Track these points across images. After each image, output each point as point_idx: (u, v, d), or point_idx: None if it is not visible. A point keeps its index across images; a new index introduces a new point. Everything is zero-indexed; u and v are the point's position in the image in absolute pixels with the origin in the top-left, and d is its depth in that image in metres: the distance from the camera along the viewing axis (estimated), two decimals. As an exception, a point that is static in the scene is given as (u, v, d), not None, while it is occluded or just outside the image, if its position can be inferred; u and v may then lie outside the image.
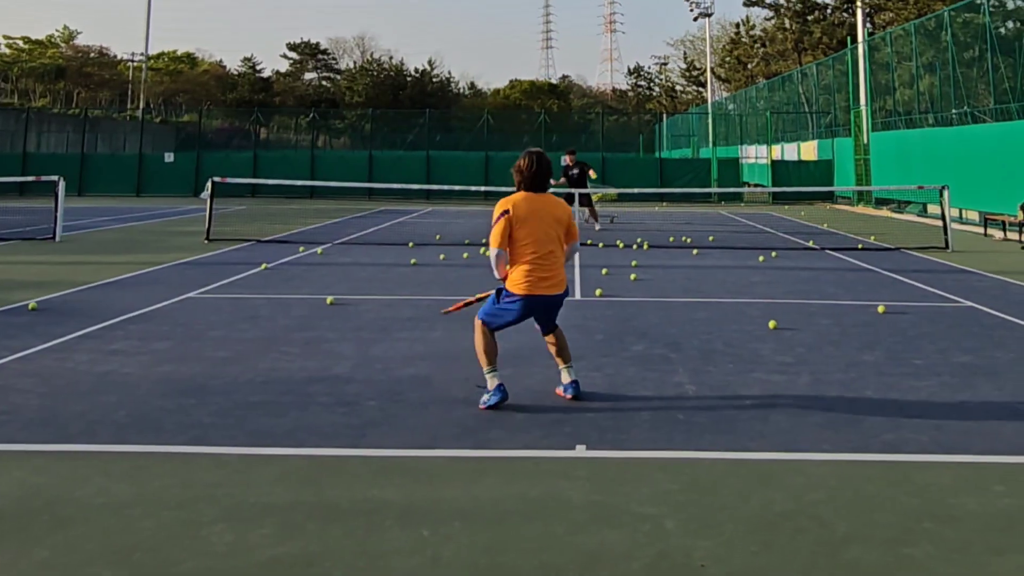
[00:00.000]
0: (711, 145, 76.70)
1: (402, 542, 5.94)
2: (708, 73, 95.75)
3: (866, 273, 19.73)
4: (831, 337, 12.64)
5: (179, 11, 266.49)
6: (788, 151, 59.92)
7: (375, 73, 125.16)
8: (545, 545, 5.89)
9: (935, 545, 5.93)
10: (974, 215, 34.11)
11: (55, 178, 26.87)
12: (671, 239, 27.28)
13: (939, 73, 39.44)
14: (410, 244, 24.98)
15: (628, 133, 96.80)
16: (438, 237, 27.61)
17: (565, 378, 9.44)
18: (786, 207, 46.69)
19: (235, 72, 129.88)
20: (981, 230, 30.89)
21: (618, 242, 25.42)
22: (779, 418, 8.62)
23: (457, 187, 32.92)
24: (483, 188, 35.99)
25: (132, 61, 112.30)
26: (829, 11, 77.41)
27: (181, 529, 6.12)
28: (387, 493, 6.77)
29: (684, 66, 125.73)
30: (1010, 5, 36.22)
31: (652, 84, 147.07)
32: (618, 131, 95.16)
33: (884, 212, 42.51)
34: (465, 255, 22.41)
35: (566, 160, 31.68)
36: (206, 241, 25.03)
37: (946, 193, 25.89)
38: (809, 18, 77.87)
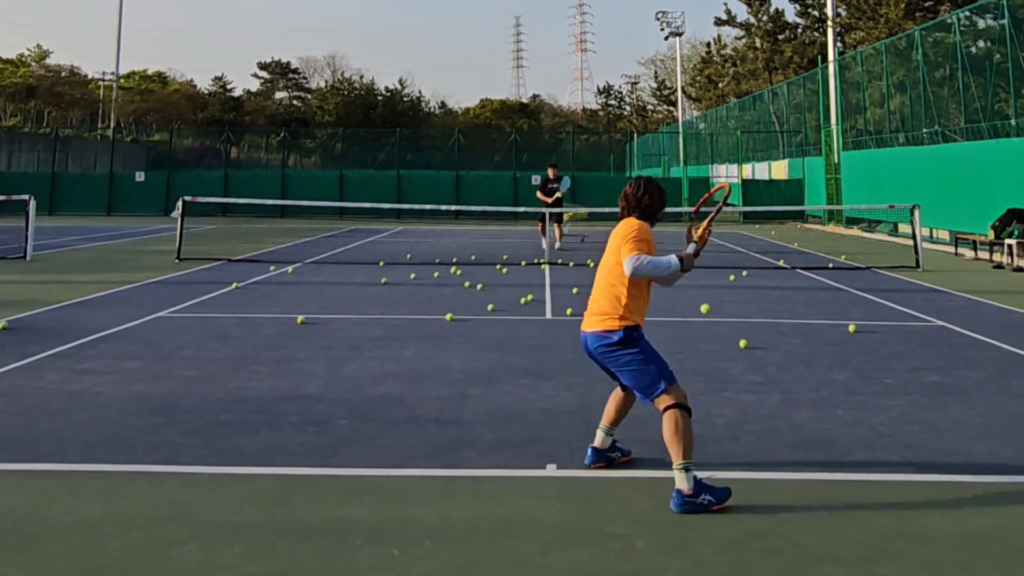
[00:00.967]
0: (682, 164, 76.81)
1: (372, 561, 5.94)
2: (679, 92, 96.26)
3: (837, 292, 19.79)
4: (802, 356, 12.68)
5: (150, 31, 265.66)
6: (759, 170, 60.04)
7: (346, 92, 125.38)
8: (515, 565, 5.89)
9: (906, 564, 5.94)
10: (945, 234, 34.23)
11: (26, 197, 26.70)
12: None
13: (910, 92, 39.69)
14: (381, 263, 24.91)
15: (599, 152, 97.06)
16: (409, 256, 27.57)
17: (601, 444, 7.91)
18: (756, 226, 46.84)
19: (206, 91, 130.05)
20: (952, 249, 31.06)
21: (588, 261, 25.40)
22: (750, 438, 8.62)
23: (428, 206, 33.04)
24: (454, 207, 36.12)
25: (103, 80, 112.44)
26: (800, 30, 77.60)
27: (151, 548, 6.11)
28: (358, 512, 6.77)
29: (655, 85, 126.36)
30: (981, 24, 36.43)
31: (623, 103, 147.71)
32: (589, 150, 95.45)
33: (855, 231, 42.65)
34: (436, 274, 22.37)
35: (550, 173, 31.76)
36: (177, 260, 24.93)
37: (917, 212, 26.06)
38: (780, 37, 78.06)
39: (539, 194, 30.71)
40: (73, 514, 6.70)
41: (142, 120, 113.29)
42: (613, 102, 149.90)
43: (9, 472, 7.61)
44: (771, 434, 8.70)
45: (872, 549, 6.19)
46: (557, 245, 30.48)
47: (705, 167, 70.99)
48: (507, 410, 9.67)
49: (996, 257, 26.89)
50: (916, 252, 25.31)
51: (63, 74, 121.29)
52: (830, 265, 25.67)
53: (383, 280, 21.01)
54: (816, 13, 69.65)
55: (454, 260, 25.77)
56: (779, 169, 56.40)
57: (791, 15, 76.17)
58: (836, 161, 46.47)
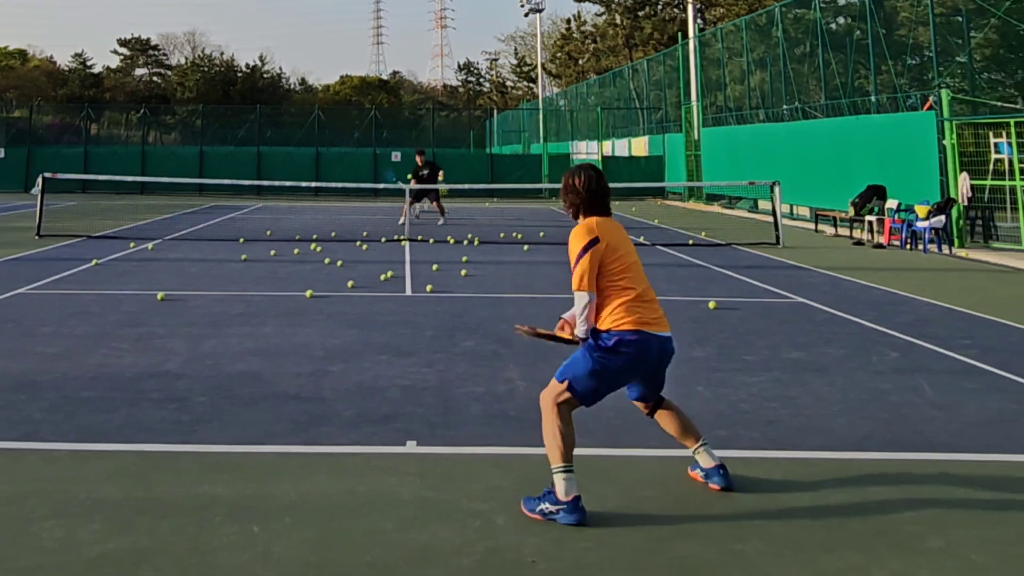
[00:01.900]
0: (542, 141, 76.99)
1: (232, 538, 5.98)
2: (539, 69, 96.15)
3: (697, 269, 20.00)
4: (658, 331, 12.85)
5: (10, 6, 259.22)
6: (619, 147, 60.19)
7: (206, 69, 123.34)
8: (375, 541, 5.95)
9: (765, 542, 5.96)
10: (805, 211, 34.56)
11: None
12: (501, 235, 27.43)
13: (770, 69, 40.26)
14: (241, 240, 24.81)
15: (459, 129, 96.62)
16: (269, 233, 27.40)
17: (707, 462, 6.99)
18: (617, 202, 46.88)
19: (66, 68, 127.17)
20: (812, 226, 31.44)
21: (448, 238, 25.53)
22: (610, 414, 8.49)
23: (288, 183, 32.90)
24: (314, 184, 35.86)
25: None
26: (660, 7, 78.25)
27: (11, 525, 6.13)
28: (217, 489, 6.81)
29: (515, 62, 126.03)
30: (841, 1, 37.04)
31: (482, 80, 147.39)
32: (449, 127, 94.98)
33: (715, 208, 42.97)
34: (296, 251, 22.34)
35: (418, 160, 32.10)
36: (36, 237, 24.54)
37: (777, 189, 26.22)
38: (640, 14, 78.58)
39: (414, 183, 30.93)
40: (-68, 491, 6.68)
41: (1, 97, 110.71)
42: (473, 79, 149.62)
43: None
44: (631, 411, 8.02)
45: (732, 526, 6.24)
46: (441, 222, 30.96)
47: (566, 144, 71.18)
48: (367, 387, 9.74)
49: (856, 234, 27.49)
50: (776, 229, 25.48)
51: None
52: (690, 242, 25.81)
53: (243, 257, 20.96)
54: (676, -10, 70.38)
55: (314, 236, 25.68)
56: (639, 146, 56.66)
57: (651, -8, 76.87)
58: (696, 138, 46.68)
